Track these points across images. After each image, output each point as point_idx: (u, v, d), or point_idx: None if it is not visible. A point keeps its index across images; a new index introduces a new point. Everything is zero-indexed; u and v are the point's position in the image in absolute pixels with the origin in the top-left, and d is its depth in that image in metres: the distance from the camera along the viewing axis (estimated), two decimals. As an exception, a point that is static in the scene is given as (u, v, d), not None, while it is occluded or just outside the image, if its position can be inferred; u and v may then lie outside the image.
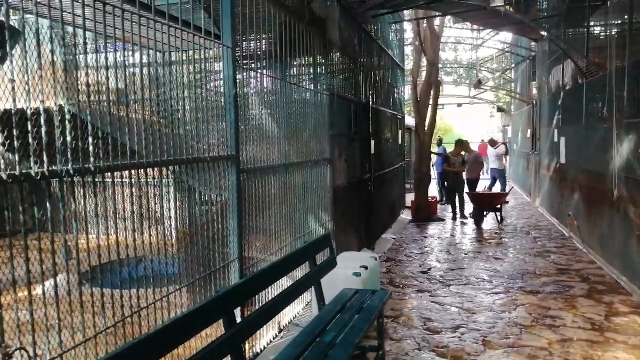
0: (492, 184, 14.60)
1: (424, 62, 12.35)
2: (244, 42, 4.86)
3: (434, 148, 13.52)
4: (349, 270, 4.73)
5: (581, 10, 8.66)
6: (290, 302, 3.75)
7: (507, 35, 19.29)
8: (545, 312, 5.19)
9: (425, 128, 11.56)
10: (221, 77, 3.87)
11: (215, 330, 2.85)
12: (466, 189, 11.71)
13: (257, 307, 3.26)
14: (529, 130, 14.71)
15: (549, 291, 5.90)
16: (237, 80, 3.91)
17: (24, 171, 2.00)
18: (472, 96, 25.20)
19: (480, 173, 12.36)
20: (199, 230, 3.59)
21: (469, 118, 38.83)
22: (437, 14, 10.66)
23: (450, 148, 13.58)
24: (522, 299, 5.63)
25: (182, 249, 3.61)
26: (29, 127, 2.08)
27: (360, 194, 7.87)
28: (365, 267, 4.88)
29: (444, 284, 6.34)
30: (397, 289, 6.17)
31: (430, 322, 5.01)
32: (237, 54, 3.94)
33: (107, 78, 2.60)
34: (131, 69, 3.03)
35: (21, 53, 2.10)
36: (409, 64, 14.22)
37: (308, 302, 5.26)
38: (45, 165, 2.12)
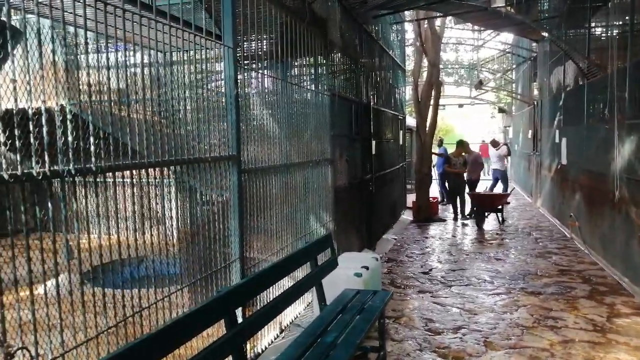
0: (494, 185, 14.58)
1: (425, 62, 12.35)
2: (245, 43, 4.87)
3: (435, 149, 13.52)
4: (350, 271, 4.72)
5: (582, 11, 8.66)
6: (292, 303, 3.74)
7: (508, 36, 19.30)
8: (546, 313, 5.18)
9: (427, 129, 11.56)
10: (222, 77, 3.87)
11: (216, 331, 2.85)
12: (467, 189, 11.70)
13: (258, 308, 3.25)
14: (530, 131, 14.70)
15: (550, 292, 5.89)
16: (238, 81, 3.91)
17: (25, 171, 2.00)
18: (473, 97, 25.20)
19: (481, 174, 12.35)
20: (200, 231, 3.59)
21: (470, 119, 38.81)
22: (438, 14, 10.67)
23: (451, 149, 13.58)
24: (524, 300, 5.63)
25: (183, 249, 3.61)
26: (31, 127, 2.08)
27: (361, 194, 7.87)
28: (367, 268, 4.88)
29: (445, 284, 6.33)
30: (398, 289, 6.16)
31: (432, 322, 5.00)
32: (238, 55, 3.94)
33: (109, 78, 2.61)
34: (132, 69, 3.03)
35: (23, 53, 2.10)
36: (410, 65, 14.23)
37: (309, 303, 5.26)
38: (46, 165, 2.12)
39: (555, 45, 10.56)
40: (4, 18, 2.06)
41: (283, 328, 4.67)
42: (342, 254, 5.60)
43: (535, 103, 14.00)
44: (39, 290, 2.12)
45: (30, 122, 2.08)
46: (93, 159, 2.42)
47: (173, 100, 3.34)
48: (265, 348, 4.24)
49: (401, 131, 12.33)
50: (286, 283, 4.03)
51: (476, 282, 6.39)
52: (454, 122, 40.62)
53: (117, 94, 2.71)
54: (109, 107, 2.62)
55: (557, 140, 10.45)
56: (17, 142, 2.01)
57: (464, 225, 10.97)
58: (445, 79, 25.07)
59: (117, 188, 2.65)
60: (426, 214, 11.42)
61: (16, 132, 2.01)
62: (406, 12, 11.51)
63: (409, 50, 16.52)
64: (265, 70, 4.93)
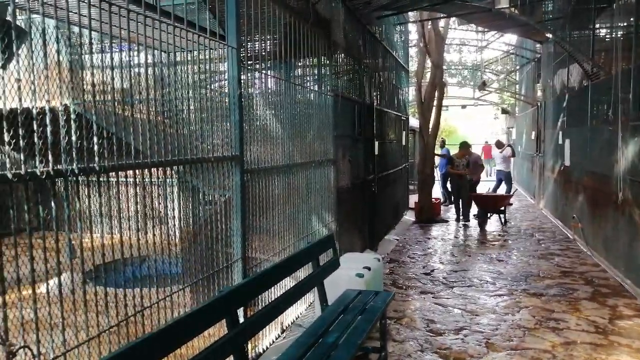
0: (498, 186, 14.56)
1: (428, 63, 12.35)
2: (249, 43, 4.87)
3: (437, 150, 13.50)
4: (352, 272, 4.72)
5: (587, 12, 8.64)
6: (293, 303, 3.75)
7: (512, 37, 19.27)
8: (548, 315, 5.17)
9: (430, 130, 11.55)
10: (226, 77, 3.88)
11: (218, 330, 2.86)
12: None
13: (260, 308, 3.26)
14: (533, 133, 14.67)
15: (552, 294, 5.88)
16: (242, 81, 3.92)
17: (29, 170, 2.02)
18: (477, 98, 25.16)
19: (481, 175, 12.30)
20: (202, 230, 3.60)
21: (473, 120, 38.75)
22: (442, 15, 10.65)
23: (453, 150, 13.56)
24: (526, 302, 5.62)
25: (185, 248, 3.62)
26: (35, 127, 2.09)
27: (363, 195, 7.87)
28: (369, 268, 4.88)
29: (447, 285, 6.33)
30: (400, 290, 6.16)
31: (433, 323, 5.00)
32: (241, 55, 3.95)
33: (113, 78, 2.61)
34: (136, 69, 3.05)
35: (27, 53, 2.11)
36: (413, 66, 14.24)
37: (311, 303, 5.26)
38: (50, 165, 2.13)
39: (559, 47, 10.53)
40: (9, 18, 2.08)
41: (284, 328, 4.68)
42: (344, 255, 5.60)
43: (539, 104, 13.97)
44: (41, 289, 2.14)
45: (34, 122, 2.09)
46: (96, 159, 2.43)
47: (176, 100, 3.35)
48: (267, 348, 4.24)
49: (404, 132, 12.32)
50: (288, 283, 4.04)
51: (478, 283, 6.38)
52: (457, 123, 40.54)
53: (121, 94, 2.72)
54: (113, 107, 2.63)
55: (560, 142, 10.43)
56: (21, 142, 2.03)
57: (465, 226, 10.95)
58: (449, 80, 25.04)
59: (120, 187, 2.66)
60: (428, 215, 11.41)
61: (20, 131, 2.02)
62: (410, 13, 11.52)
63: (413, 51, 16.53)
64: (269, 71, 4.94)
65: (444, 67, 14.08)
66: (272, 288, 3.66)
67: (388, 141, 10.01)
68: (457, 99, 25.55)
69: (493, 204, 10.88)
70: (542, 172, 13.22)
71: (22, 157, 2.00)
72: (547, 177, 12.38)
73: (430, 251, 8.46)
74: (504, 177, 14.43)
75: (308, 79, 6.11)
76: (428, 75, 12.20)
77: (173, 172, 3.40)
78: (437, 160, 13.59)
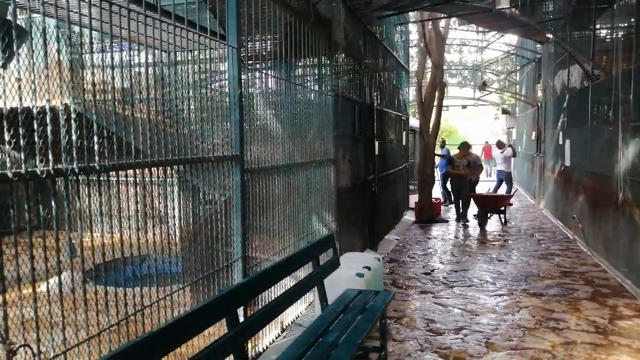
0: (498, 186, 14.55)
1: (429, 63, 12.35)
2: (249, 43, 4.87)
3: (437, 150, 13.50)
4: (352, 271, 4.73)
5: (587, 13, 8.64)
6: (293, 302, 3.75)
7: (512, 38, 19.27)
8: (548, 315, 5.17)
9: (430, 130, 11.55)
10: (226, 77, 3.88)
11: (218, 330, 2.86)
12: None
13: (260, 307, 3.26)
14: (533, 133, 14.67)
15: (552, 294, 5.88)
16: (242, 81, 3.92)
17: (29, 169, 2.02)
18: (477, 98, 25.16)
19: (480, 176, 12.28)
20: (202, 230, 3.60)
21: (474, 120, 38.75)
22: (442, 15, 10.65)
23: (453, 150, 13.55)
24: (526, 302, 5.62)
25: (185, 248, 3.62)
26: (35, 126, 2.10)
27: (364, 195, 7.88)
28: (369, 268, 4.89)
29: (447, 285, 6.33)
30: (400, 290, 6.16)
31: (433, 323, 5.00)
32: (242, 55, 3.95)
33: (113, 77, 2.62)
34: (137, 69, 3.05)
35: (28, 52, 2.12)
36: (414, 66, 14.24)
37: (311, 302, 5.26)
38: (50, 164, 2.14)
39: (559, 47, 10.53)
40: (9, 17, 2.08)
41: (284, 327, 4.68)
42: (344, 254, 5.60)
43: (539, 105, 13.97)
44: (42, 288, 2.14)
45: (35, 121, 2.09)
46: (96, 158, 2.43)
47: (177, 99, 3.36)
48: (267, 347, 4.25)
49: (404, 132, 12.32)
50: (288, 283, 4.04)
51: (478, 283, 6.38)
52: (458, 124, 40.55)
53: (121, 94, 2.72)
54: (113, 106, 2.63)
55: (560, 142, 10.43)
56: (21, 141, 2.03)
57: (465, 226, 10.94)
58: (449, 80, 25.04)
59: (120, 187, 2.67)
60: (429, 215, 11.41)
61: (20, 130, 2.02)
62: (410, 13, 11.52)
63: (413, 51, 16.53)
64: (269, 71, 4.94)
65: (445, 67, 14.08)
66: (272, 287, 3.67)
67: (388, 141, 10.01)
68: (457, 99, 25.55)
69: (493, 204, 10.88)
70: (542, 173, 13.22)
71: (22, 157, 2.01)
72: (548, 178, 12.38)
73: (430, 251, 8.47)
74: (505, 177, 14.44)
75: (308, 78, 6.11)
76: (428, 75, 12.20)
77: (173, 171, 3.40)
78: (437, 160, 13.59)
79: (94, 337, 2.45)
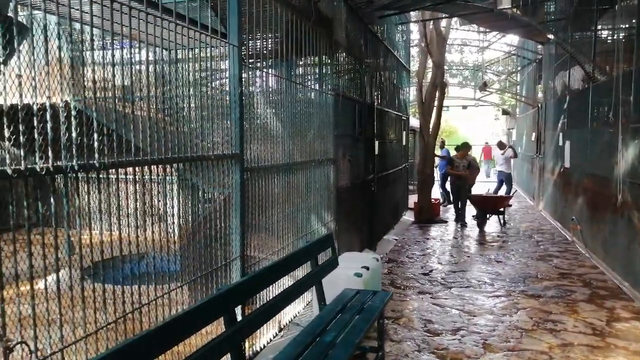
0: (499, 187, 14.55)
1: (429, 63, 12.34)
2: (250, 41, 4.87)
3: (437, 150, 13.48)
4: (351, 271, 4.73)
5: (589, 14, 8.64)
6: (291, 302, 3.75)
7: (513, 38, 19.26)
8: (546, 317, 5.18)
9: (430, 130, 11.55)
10: (227, 75, 3.88)
11: (215, 328, 2.87)
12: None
13: (258, 306, 3.26)
14: (533, 134, 14.67)
15: (550, 295, 5.89)
16: (243, 79, 3.92)
17: (29, 166, 2.02)
18: (478, 98, 25.17)
19: (476, 178, 12.20)
20: (201, 228, 3.60)
21: (474, 120, 38.74)
22: (443, 15, 10.65)
23: (453, 151, 13.53)
24: (524, 303, 5.63)
25: (184, 246, 3.62)
26: (35, 123, 2.10)
27: (363, 194, 7.88)
28: (367, 268, 4.89)
29: (445, 286, 6.33)
30: (398, 290, 6.17)
31: (431, 324, 5.01)
32: (243, 53, 3.95)
33: (114, 75, 2.62)
34: (137, 67, 3.05)
35: (29, 49, 2.11)
36: (414, 66, 14.23)
37: (309, 302, 5.27)
38: (50, 161, 2.14)
39: (560, 48, 10.53)
40: (11, 14, 2.08)
41: (282, 327, 4.69)
42: (342, 254, 5.60)
43: (540, 105, 13.97)
44: (40, 285, 2.14)
45: (35, 118, 2.09)
46: (96, 155, 2.43)
47: (177, 97, 3.36)
48: (264, 346, 4.25)
49: (404, 132, 12.32)
50: (286, 282, 4.04)
51: (476, 284, 6.39)
52: (458, 124, 40.54)
53: (121, 91, 2.72)
54: (114, 104, 2.63)
55: (560, 143, 10.43)
56: (21, 138, 2.03)
57: (464, 227, 10.94)
58: (450, 80, 25.04)
59: (120, 184, 2.67)
60: (428, 215, 11.40)
61: (20, 127, 2.02)
62: (412, 13, 11.51)
63: (414, 51, 16.51)
64: (270, 69, 4.94)
65: (445, 67, 14.07)
66: (270, 287, 3.66)
67: (388, 141, 10.01)
68: (458, 100, 25.56)
69: (492, 205, 10.88)
70: (541, 174, 13.22)
71: (22, 153, 2.01)
72: (547, 179, 12.38)
73: (429, 251, 8.47)
74: (505, 178, 14.44)
75: (309, 77, 6.11)
76: (429, 75, 12.20)
77: (173, 169, 3.40)
78: (436, 160, 13.58)
79: (92, 334, 2.45)
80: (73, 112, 2.32)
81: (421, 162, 11.78)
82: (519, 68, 21.28)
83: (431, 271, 7.09)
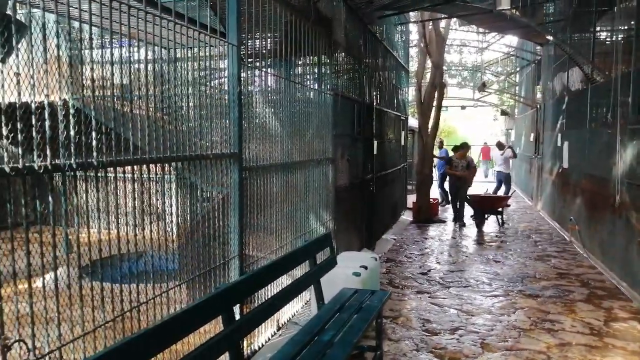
0: (498, 187, 14.56)
1: (428, 64, 12.34)
2: (249, 41, 4.87)
3: (436, 150, 13.48)
4: (349, 270, 4.73)
5: (588, 15, 8.65)
6: (290, 301, 3.76)
7: (512, 39, 19.27)
8: (544, 316, 5.19)
9: (429, 130, 11.56)
10: (226, 74, 3.88)
11: (214, 327, 2.87)
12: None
13: (256, 305, 3.26)
14: (532, 134, 14.69)
15: (548, 295, 5.90)
16: (242, 79, 3.92)
17: (27, 164, 2.02)
18: (476, 99, 25.19)
19: (473, 178, 12.18)
20: (199, 227, 3.60)
21: (473, 121, 38.76)
22: (443, 16, 10.65)
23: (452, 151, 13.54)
24: (522, 303, 5.63)
25: (182, 245, 3.62)
26: (33, 121, 2.10)
27: (362, 194, 7.88)
28: (365, 267, 4.89)
29: (443, 285, 6.34)
30: (396, 289, 6.17)
31: (429, 323, 5.01)
32: (242, 52, 3.94)
33: (112, 74, 2.62)
34: (136, 65, 3.05)
35: (27, 47, 2.11)
36: (413, 66, 14.23)
37: (307, 301, 5.27)
38: (48, 159, 2.13)
39: (559, 49, 10.55)
40: (9, 12, 2.08)
41: (280, 326, 4.69)
42: (341, 253, 5.61)
43: (538, 106, 13.99)
44: (38, 283, 2.14)
45: (33, 116, 2.09)
46: (94, 154, 2.43)
47: (176, 96, 3.35)
48: (262, 345, 4.25)
49: (403, 132, 12.32)
50: (284, 281, 4.04)
51: (474, 284, 6.39)
52: (457, 124, 40.57)
53: (120, 90, 2.72)
54: (112, 102, 2.63)
55: (559, 144, 10.44)
56: (19, 136, 2.03)
57: (462, 226, 10.94)
58: (449, 81, 25.05)
59: (118, 183, 2.67)
60: (426, 215, 11.41)
61: (19, 125, 2.02)
62: (411, 13, 11.51)
63: (413, 52, 16.52)
64: (269, 69, 4.94)
65: (444, 67, 14.09)
66: (269, 286, 3.67)
67: (387, 141, 10.01)
68: (456, 100, 25.58)
69: (490, 205, 10.89)
70: (540, 174, 13.24)
71: (20, 151, 2.01)
72: (545, 179, 12.39)
73: (427, 251, 8.48)
74: (504, 178, 14.46)
75: (308, 77, 6.10)
76: (428, 75, 12.20)
77: (171, 168, 3.40)
78: (435, 160, 13.59)
79: (90, 333, 2.45)
80: (71, 111, 2.32)
81: (420, 162, 11.79)
82: (517, 69, 21.31)
83: (429, 271, 7.10)
